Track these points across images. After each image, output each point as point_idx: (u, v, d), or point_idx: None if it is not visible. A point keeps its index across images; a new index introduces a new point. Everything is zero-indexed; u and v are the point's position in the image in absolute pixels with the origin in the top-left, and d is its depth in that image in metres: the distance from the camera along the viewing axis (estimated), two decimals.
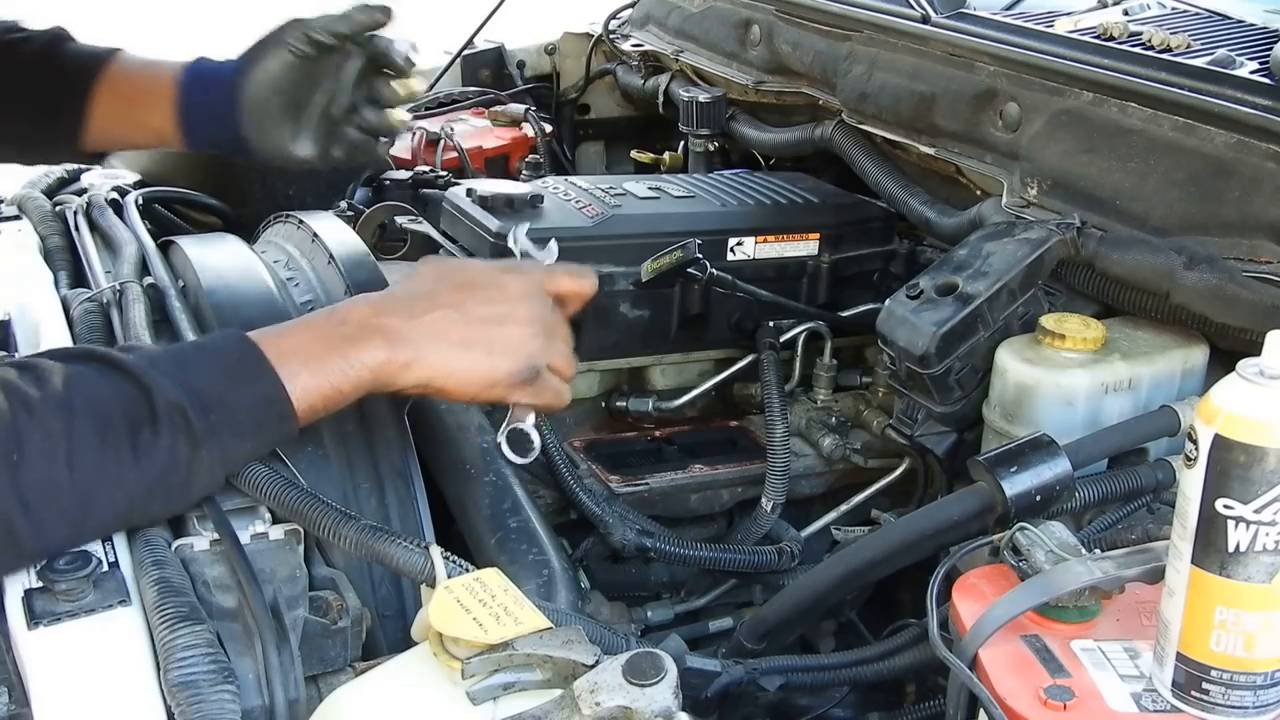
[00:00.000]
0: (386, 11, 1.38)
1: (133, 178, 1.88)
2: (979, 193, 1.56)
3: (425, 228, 1.85)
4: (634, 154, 2.37)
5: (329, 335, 1.05)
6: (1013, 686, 0.87)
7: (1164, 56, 1.38)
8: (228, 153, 1.46)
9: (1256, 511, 0.79)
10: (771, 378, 1.53)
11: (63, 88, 1.41)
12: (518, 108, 2.38)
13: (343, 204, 2.03)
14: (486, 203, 1.65)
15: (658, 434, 1.60)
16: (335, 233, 1.49)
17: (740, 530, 1.49)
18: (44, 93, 1.42)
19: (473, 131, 2.31)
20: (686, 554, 1.39)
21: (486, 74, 2.57)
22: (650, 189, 1.72)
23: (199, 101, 1.39)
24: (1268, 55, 1.32)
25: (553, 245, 1.26)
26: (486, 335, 1.09)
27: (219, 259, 1.45)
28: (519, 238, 1.30)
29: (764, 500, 1.47)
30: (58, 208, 1.74)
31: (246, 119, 1.38)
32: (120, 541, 1.09)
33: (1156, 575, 0.91)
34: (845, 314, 1.65)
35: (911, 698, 1.35)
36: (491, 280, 1.12)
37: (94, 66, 1.40)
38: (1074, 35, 1.49)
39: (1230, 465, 0.79)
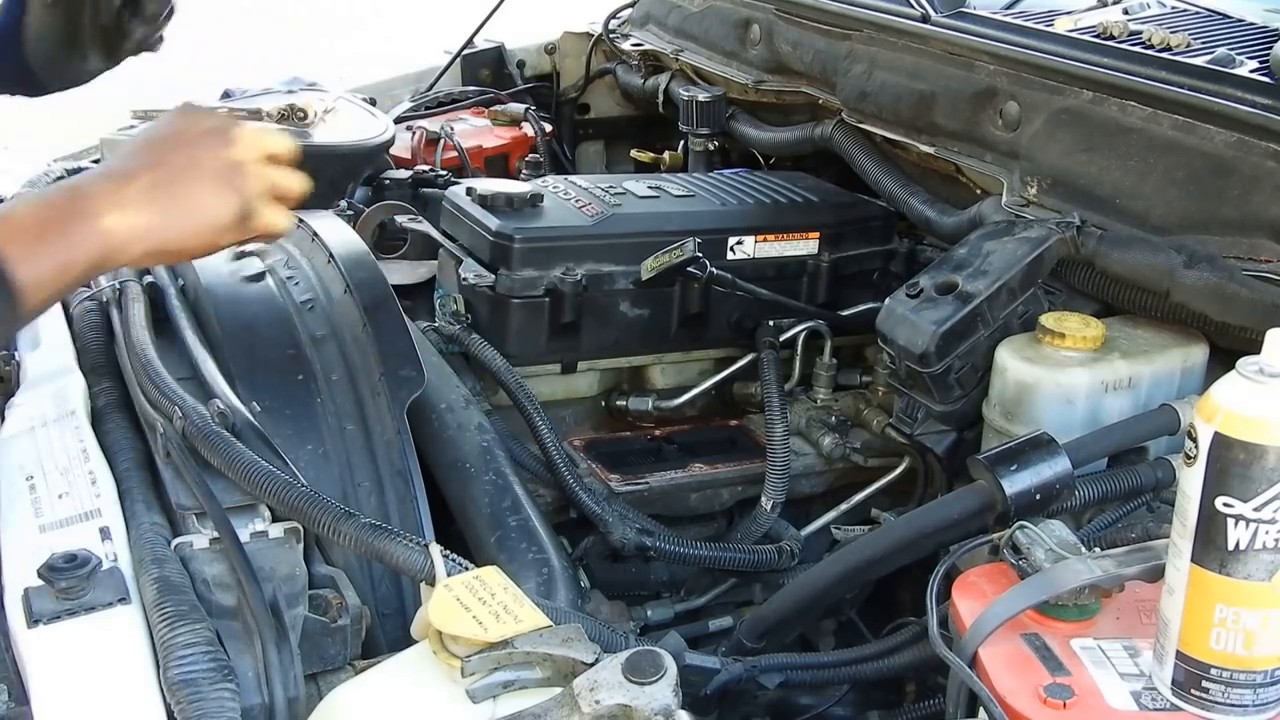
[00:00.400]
0: None
1: None
2: (979, 192, 1.56)
3: (425, 227, 1.85)
4: (634, 153, 2.37)
5: (47, 220, 1.00)
6: (1012, 685, 0.87)
7: (1164, 55, 1.38)
8: (14, 92, 1.54)
9: (1256, 509, 0.79)
10: (771, 376, 1.53)
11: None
12: (518, 107, 2.38)
13: (343, 203, 2.03)
14: (486, 202, 1.65)
15: (657, 433, 1.60)
16: (335, 231, 1.50)
17: (740, 529, 1.49)
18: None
19: (473, 131, 2.32)
20: (686, 553, 1.39)
21: (486, 73, 2.57)
22: (650, 188, 1.72)
23: None
24: (1268, 55, 1.32)
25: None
26: (192, 189, 1.08)
27: (219, 258, 1.45)
28: None
29: (764, 499, 1.47)
30: None
31: (32, 54, 1.47)
32: (120, 540, 1.09)
33: (1156, 573, 0.91)
34: (845, 313, 1.65)
35: (911, 696, 1.35)
36: (180, 129, 1.11)
37: None
38: (1074, 34, 1.49)
39: (1230, 463, 0.79)
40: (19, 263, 0.96)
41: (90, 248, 1.01)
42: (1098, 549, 0.98)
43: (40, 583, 1.01)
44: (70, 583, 1.00)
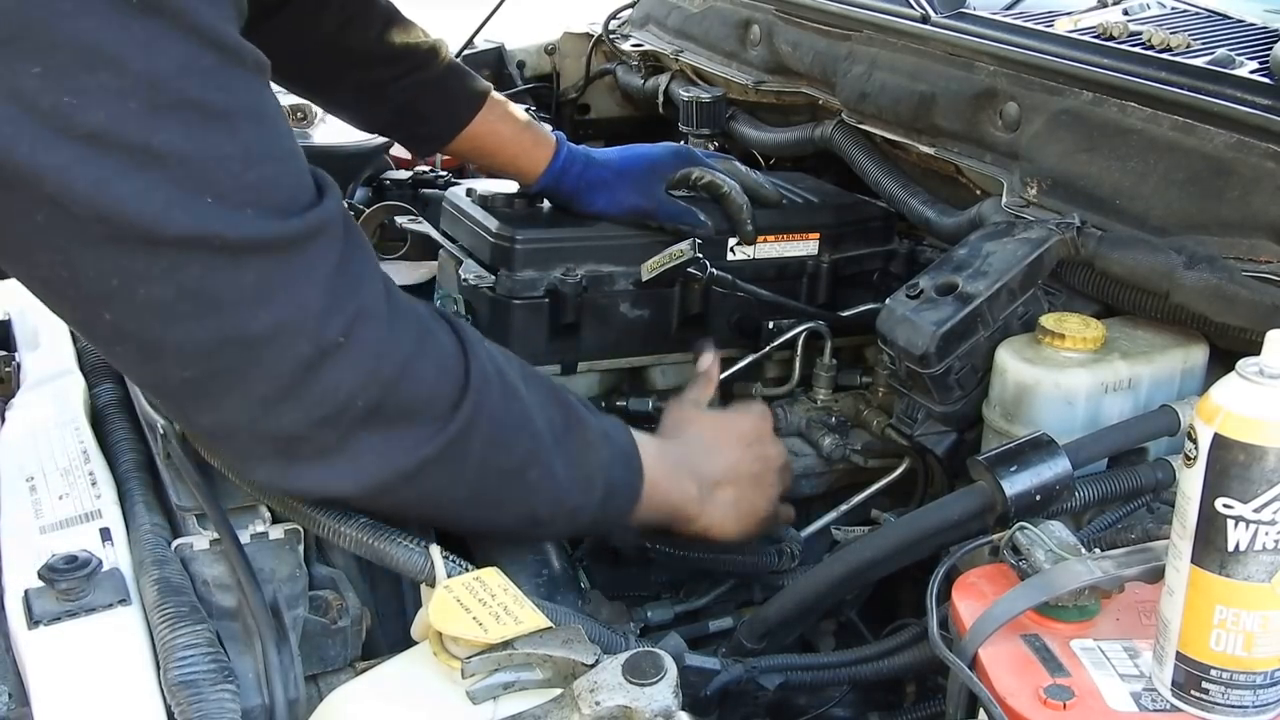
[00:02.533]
0: None
1: None
2: (979, 192, 1.56)
3: (425, 228, 1.85)
4: None
5: (666, 484, 1.23)
6: (1012, 686, 0.87)
7: (1164, 56, 1.38)
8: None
9: (1256, 511, 0.79)
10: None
11: (443, 116, 1.62)
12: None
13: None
14: (486, 203, 1.65)
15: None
16: None
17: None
18: (425, 111, 1.62)
19: None
20: (686, 554, 1.39)
21: (486, 74, 2.57)
22: None
23: (565, 184, 1.62)
24: (1268, 55, 1.32)
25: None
26: (755, 492, 1.33)
27: None
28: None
29: None
30: None
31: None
32: (120, 541, 1.09)
33: (1156, 574, 0.91)
34: (845, 314, 1.65)
35: (911, 697, 1.35)
36: (746, 430, 1.36)
37: (474, 105, 1.62)
38: (1074, 35, 1.49)
39: (1230, 464, 0.79)
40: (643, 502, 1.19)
41: (678, 521, 1.28)
42: (1098, 550, 0.98)
43: (41, 584, 1.01)
44: (71, 584, 1.00)
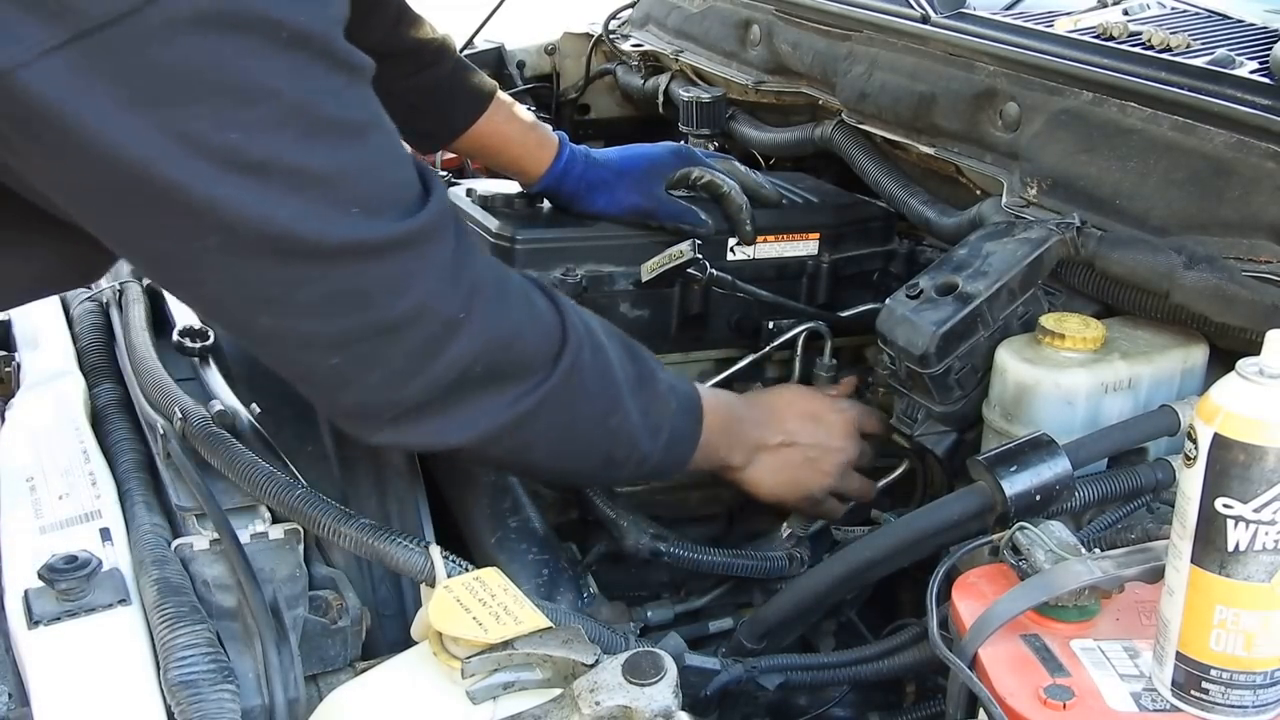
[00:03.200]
0: None
1: None
2: (979, 192, 1.56)
3: None
4: None
5: (718, 438, 1.33)
6: (1012, 686, 0.87)
7: (1164, 56, 1.38)
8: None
9: (1256, 511, 0.79)
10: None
11: (449, 114, 1.63)
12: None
13: None
14: (486, 203, 1.65)
15: None
16: None
17: (768, 536, 1.48)
18: (432, 108, 1.61)
19: None
20: (700, 559, 1.39)
21: (487, 74, 2.57)
22: None
23: (566, 184, 1.63)
24: (1268, 55, 1.32)
25: None
26: (804, 468, 1.40)
27: None
28: None
29: (785, 527, 1.47)
30: None
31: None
32: (120, 541, 1.09)
33: (1156, 575, 0.91)
34: (845, 314, 1.65)
35: (911, 697, 1.35)
36: (824, 416, 1.43)
37: (481, 104, 1.63)
38: (1074, 35, 1.49)
39: (1230, 464, 0.79)
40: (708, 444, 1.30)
41: (721, 470, 1.37)
42: (1098, 550, 0.98)
43: (41, 584, 1.01)
44: (71, 584, 1.00)
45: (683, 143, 1.82)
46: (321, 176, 0.90)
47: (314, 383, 1.06)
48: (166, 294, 1.50)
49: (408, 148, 1.04)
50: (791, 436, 1.40)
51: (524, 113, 1.68)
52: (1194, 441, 0.81)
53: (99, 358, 1.42)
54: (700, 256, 1.50)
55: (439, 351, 1.01)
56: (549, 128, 1.68)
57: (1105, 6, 1.64)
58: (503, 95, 1.66)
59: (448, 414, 1.06)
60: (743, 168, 1.69)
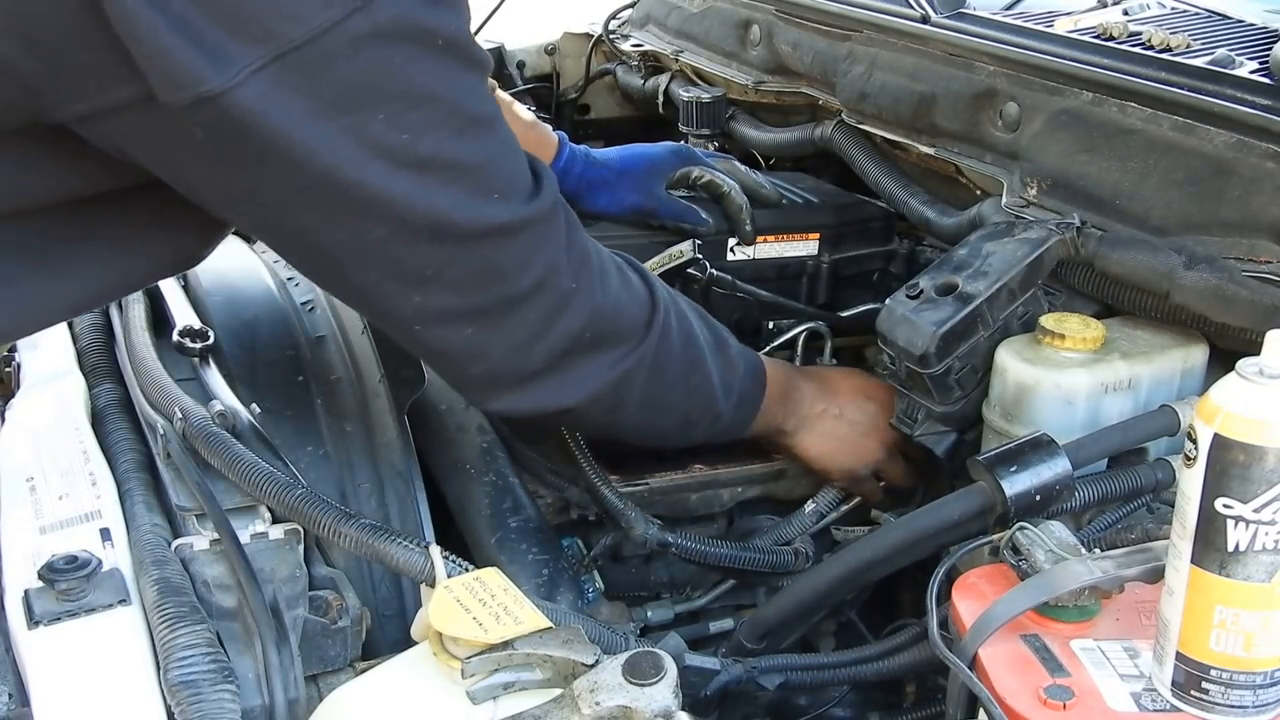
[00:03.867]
0: None
1: None
2: (979, 193, 1.56)
3: None
4: None
5: (776, 404, 1.41)
6: (1012, 686, 0.88)
7: (1164, 56, 1.38)
8: None
9: (1256, 511, 0.79)
10: None
11: None
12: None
13: None
14: None
15: None
16: None
17: (771, 531, 1.49)
18: None
19: None
20: (707, 551, 1.39)
21: None
22: None
23: (566, 184, 1.62)
24: (1268, 55, 1.32)
25: None
26: (849, 441, 1.45)
27: (219, 259, 1.44)
28: None
29: (810, 504, 1.47)
30: None
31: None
32: (120, 541, 1.09)
33: (1156, 575, 0.91)
34: (845, 314, 1.65)
35: (911, 697, 1.35)
36: (876, 396, 1.47)
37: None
38: (1074, 35, 1.48)
39: (1230, 464, 0.79)
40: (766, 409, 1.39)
41: (774, 434, 1.44)
42: (1098, 550, 0.98)
43: (41, 584, 1.01)
44: (71, 584, 1.00)
45: (683, 143, 1.82)
46: (471, 167, 1.01)
47: (450, 355, 1.14)
48: (166, 294, 1.50)
49: None
50: (842, 410, 1.45)
51: (523, 112, 1.68)
52: (1194, 441, 0.81)
53: (99, 358, 1.42)
54: (700, 256, 1.50)
55: (555, 320, 1.12)
56: (549, 128, 1.67)
57: (1105, 6, 1.64)
58: (500, 94, 1.66)
59: (561, 378, 1.16)
60: (743, 168, 1.69)
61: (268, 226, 1.05)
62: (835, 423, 1.45)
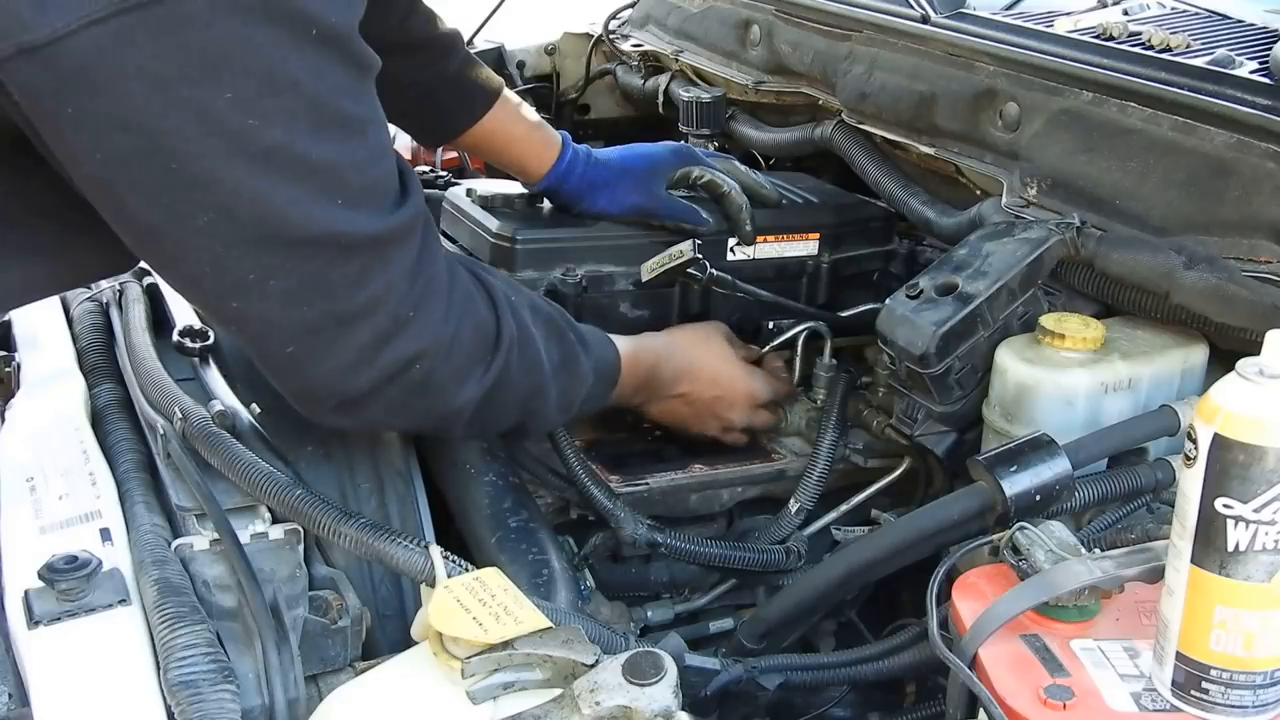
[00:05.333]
0: None
1: None
2: (979, 193, 1.56)
3: None
4: None
5: (629, 393, 1.45)
6: (1012, 686, 0.88)
7: (1164, 56, 1.38)
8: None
9: (1256, 511, 0.79)
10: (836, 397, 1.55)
11: (456, 110, 1.62)
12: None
13: None
14: (486, 203, 1.65)
15: (658, 434, 1.60)
16: None
17: (760, 530, 1.49)
18: (439, 104, 1.61)
19: None
20: (696, 550, 1.39)
21: None
22: None
23: (568, 184, 1.63)
24: (1268, 55, 1.32)
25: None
26: (693, 417, 1.54)
27: None
28: None
29: (793, 503, 1.47)
30: None
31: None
32: (120, 541, 1.09)
33: (1156, 575, 0.91)
34: (845, 314, 1.65)
35: (911, 697, 1.36)
36: (725, 383, 1.54)
37: (488, 101, 1.63)
38: (1074, 35, 1.48)
39: (1230, 464, 0.79)
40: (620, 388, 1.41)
41: (627, 407, 1.49)
42: (1098, 550, 0.98)
43: (41, 584, 1.01)
44: (71, 584, 1.00)
45: (683, 142, 1.82)
46: (323, 168, 0.95)
47: (269, 366, 1.10)
48: (167, 293, 1.50)
49: (401, 148, 1.06)
50: (692, 392, 1.51)
51: (529, 112, 1.68)
52: (1194, 441, 0.81)
53: (99, 358, 1.42)
54: (700, 256, 1.50)
55: (384, 347, 1.06)
56: (552, 129, 1.67)
57: (1105, 6, 1.64)
58: (509, 93, 1.66)
59: (387, 405, 1.11)
60: (743, 168, 1.69)
61: (101, 199, 0.97)
62: (681, 402, 1.52)
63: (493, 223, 1.58)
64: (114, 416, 1.31)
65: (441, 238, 1.70)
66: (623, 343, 1.41)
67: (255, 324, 1.04)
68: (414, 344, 1.08)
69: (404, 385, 1.09)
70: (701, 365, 1.52)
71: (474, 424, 1.21)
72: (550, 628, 0.94)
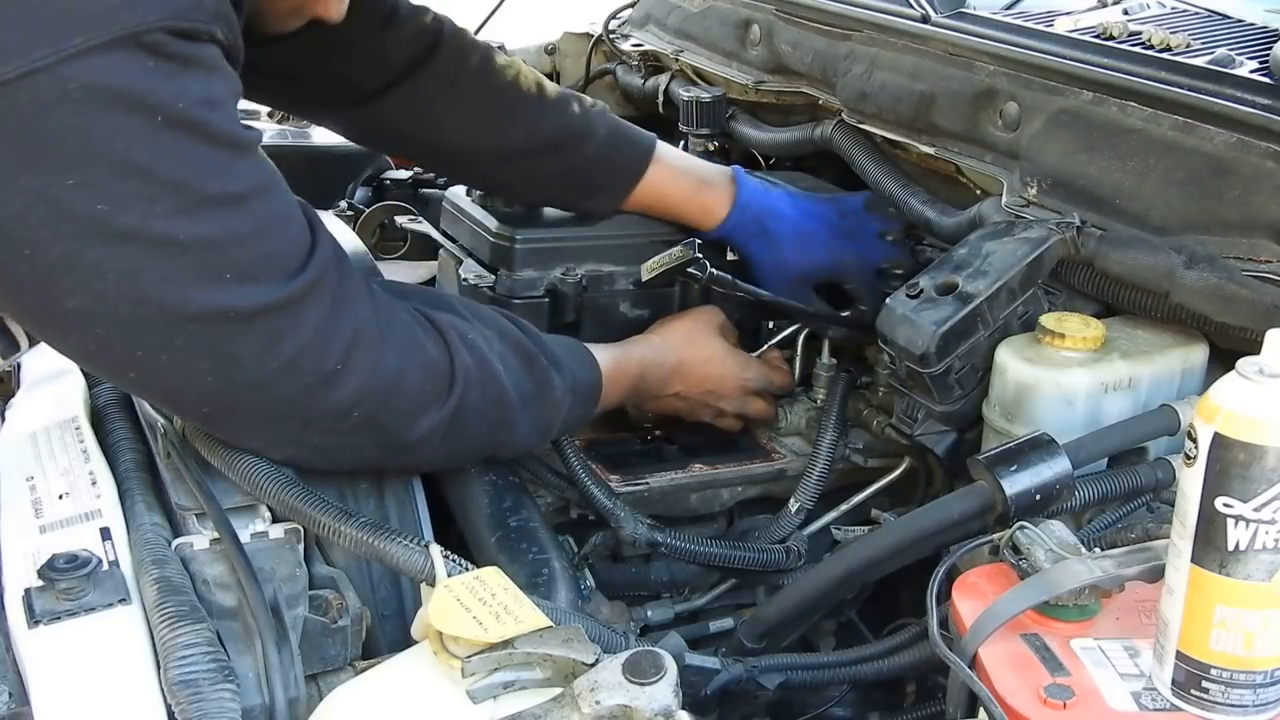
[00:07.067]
0: None
1: None
2: (979, 192, 1.56)
3: (425, 227, 1.85)
4: None
5: (615, 400, 1.45)
6: (1013, 685, 0.88)
7: (1164, 56, 1.38)
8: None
9: (1256, 510, 0.79)
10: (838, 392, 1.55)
11: (602, 191, 1.60)
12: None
13: (343, 204, 2.03)
14: (486, 202, 1.65)
15: (658, 434, 1.60)
16: (335, 232, 1.49)
17: (760, 530, 1.49)
18: (584, 187, 1.59)
19: None
20: (696, 550, 1.39)
21: None
22: None
23: (742, 234, 1.63)
24: (1268, 55, 1.32)
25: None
26: (692, 411, 1.55)
27: None
28: None
29: (792, 502, 1.47)
30: None
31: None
32: (120, 541, 1.09)
33: (1156, 574, 0.91)
34: (845, 314, 1.65)
35: (911, 697, 1.36)
36: (716, 385, 1.54)
37: (633, 175, 1.59)
38: (1074, 35, 1.49)
39: (1230, 464, 0.79)
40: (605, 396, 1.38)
41: (621, 405, 1.49)
42: (1098, 549, 0.98)
43: (41, 583, 1.01)
44: (71, 583, 1.00)
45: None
46: (192, 245, 0.94)
47: (189, 422, 1.13)
48: None
49: None
50: (684, 389, 1.52)
51: (690, 169, 1.64)
52: (1194, 441, 0.81)
53: None
54: (700, 256, 1.50)
55: (314, 403, 1.06)
56: (722, 181, 1.64)
57: (1105, 6, 1.64)
58: (664, 152, 1.61)
59: (330, 451, 1.12)
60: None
61: None
62: (673, 400, 1.53)
63: (492, 222, 1.58)
64: (114, 415, 1.31)
65: (440, 239, 1.71)
66: (606, 354, 1.39)
67: (159, 393, 1.05)
68: (345, 393, 1.06)
69: (347, 431, 1.09)
70: (692, 362, 1.52)
71: (437, 459, 1.21)
72: (550, 627, 0.94)
